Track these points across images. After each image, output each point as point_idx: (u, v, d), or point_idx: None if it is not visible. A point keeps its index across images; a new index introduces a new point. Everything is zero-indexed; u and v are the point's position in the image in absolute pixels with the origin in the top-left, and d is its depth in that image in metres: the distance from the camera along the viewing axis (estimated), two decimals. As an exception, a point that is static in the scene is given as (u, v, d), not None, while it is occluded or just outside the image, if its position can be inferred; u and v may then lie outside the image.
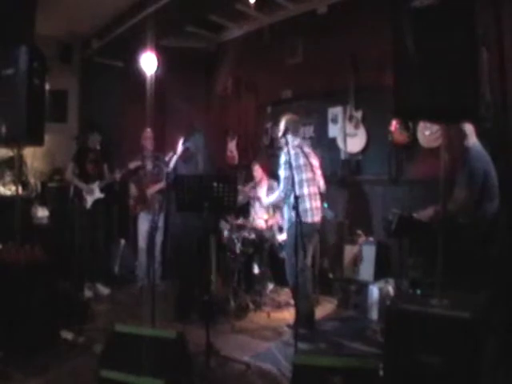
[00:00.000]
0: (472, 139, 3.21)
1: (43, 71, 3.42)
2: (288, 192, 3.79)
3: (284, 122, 4.03)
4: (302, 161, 3.91)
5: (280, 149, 5.77)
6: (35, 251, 3.44)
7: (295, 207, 3.26)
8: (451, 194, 3.13)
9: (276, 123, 5.88)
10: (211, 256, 4.38)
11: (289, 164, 3.55)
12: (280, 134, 4.01)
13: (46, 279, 3.42)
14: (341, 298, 4.54)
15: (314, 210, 3.89)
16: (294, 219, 3.74)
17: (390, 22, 2.39)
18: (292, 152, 3.80)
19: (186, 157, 4.10)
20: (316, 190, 3.98)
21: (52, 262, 3.54)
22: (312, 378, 2.25)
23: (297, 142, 4.00)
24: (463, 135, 3.18)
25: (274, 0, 5.38)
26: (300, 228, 3.16)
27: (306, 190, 3.86)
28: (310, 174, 3.94)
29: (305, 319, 3.73)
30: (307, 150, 4.06)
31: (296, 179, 3.74)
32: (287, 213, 3.93)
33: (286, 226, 4.06)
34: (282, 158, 3.87)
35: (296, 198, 3.32)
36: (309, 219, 3.83)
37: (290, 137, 3.93)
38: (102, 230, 5.12)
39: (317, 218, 3.93)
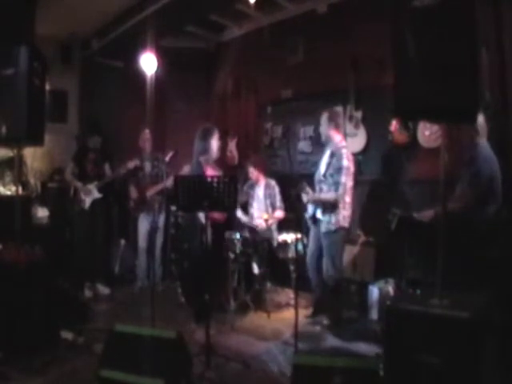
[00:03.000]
0: (483, 138, 3.20)
1: (43, 71, 3.41)
2: (340, 198, 3.76)
3: (327, 116, 3.88)
4: (352, 166, 3.84)
5: (280, 148, 5.68)
6: (35, 251, 3.44)
7: (305, 212, 3.26)
8: (453, 191, 3.12)
9: (276, 123, 5.83)
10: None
11: (347, 170, 3.61)
12: (323, 129, 3.90)
13: (46, 279, 3.42)
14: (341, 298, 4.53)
15: (350, 217, 3.92)
16: (341, 223, 3.78)
17: (390, 21, 2.39)
18: (349, 157, 3.76)
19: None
20: None
21: (52, 262, 3.54)
22: (312, 378, 2.25)
23: (344, 142, 3.83)
24: (475, 132, 3.16)
25: (273, 0, 5.38)
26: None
27: (349, 198, 3.86)
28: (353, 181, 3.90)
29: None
30: (349, 153, 3.92)
31: (348, 185, 3.76)
32: (333, 217, 3.82)
33: (324, 229, 3.90)
34: (344, 162, 3.72)
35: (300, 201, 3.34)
36: (347, 225, 3.87)
37: (335, 134, 3.84)
38: (102, 230, 5.12)
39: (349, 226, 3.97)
